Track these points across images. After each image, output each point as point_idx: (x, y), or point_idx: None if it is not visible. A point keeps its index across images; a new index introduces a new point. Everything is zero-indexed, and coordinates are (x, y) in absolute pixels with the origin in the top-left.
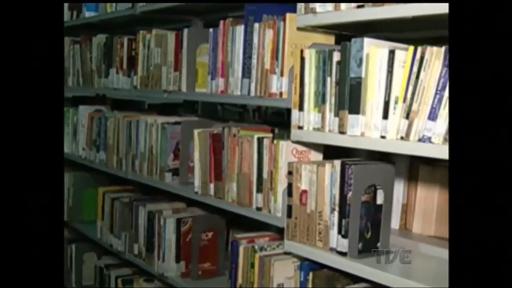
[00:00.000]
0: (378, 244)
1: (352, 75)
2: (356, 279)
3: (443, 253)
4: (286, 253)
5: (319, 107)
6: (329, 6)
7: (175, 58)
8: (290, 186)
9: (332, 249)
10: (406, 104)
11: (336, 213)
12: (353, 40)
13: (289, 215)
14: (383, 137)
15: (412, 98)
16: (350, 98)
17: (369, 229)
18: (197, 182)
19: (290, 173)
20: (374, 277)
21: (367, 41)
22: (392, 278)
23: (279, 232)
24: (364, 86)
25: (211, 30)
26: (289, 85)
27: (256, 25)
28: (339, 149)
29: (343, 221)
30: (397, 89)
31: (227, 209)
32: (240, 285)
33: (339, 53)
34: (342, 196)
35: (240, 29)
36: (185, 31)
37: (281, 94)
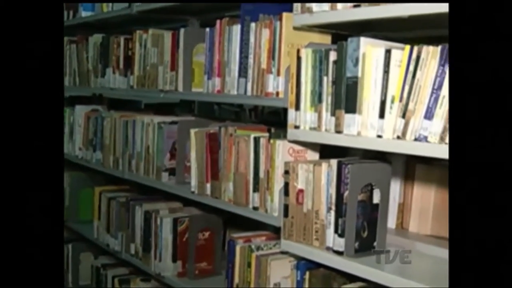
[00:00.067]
0: (375, 243)
1: (348, 74)
2: (353, 278)
3: (440, 252)
4: (282, 253)
5: (316, 106)
6: (326, 5)
7: (172, 58)
8: (286, 185)
9: (328, 248)
10: (403, 104)
11: (332, 212)
12: (349, 39)
13: (285, 214)
14: (379, 136)
15: (408, 98)
16: (347, 98)
17: (365, 228)
18: (193, 181)
19: (286, 172)
20: (371, 276)
21: (363, 40)
22: (389, 277)
23: (276, 232)
24: (361, 86)
25: (207, 29)
26: (285, 84)
27: (253, 24)
28: (336, 149)
29: (340, 220)
30: (394, 89)
31: (224, 208)
32: (236, 284)
33: (335, 53)
34: (339, 195)
35: (236, 29)
36: (182, 30)
37: (277, 93)
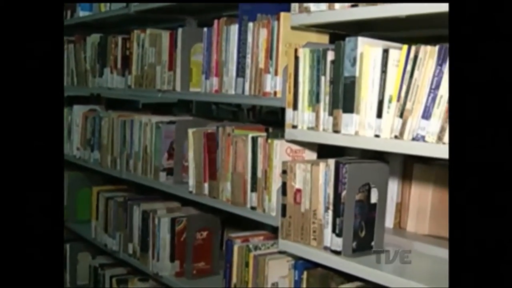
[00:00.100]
0: (372, 243)
1: (346, 74)
2: (351, 278)
3: (438, 252)
4: (280, 252)
5: (313, 106)
6: (323, 5)
7: (170, 58)
8: (284, 185)
9: (326, 248)
10: (400, 103)
11: (330, 212)
12: (347, 39)
13: (283, 214)
14: (377, 136)
15: (406, 97)
16: (344, 97)
17: (363, 228)
18: (191, 181)
19: (284, 172)
20: (368, 275)
21: (361, 40)
22: (387, 276)
23: (274, 231)
24: (358, 85)
25: (205, 29)
26: (283, 84)
27: (250, 24)
28: (333, 148)
29: (337, 220)
30: (391, 88)
31: (222, 208)
32: (234, 284)
33: (333, 52)
34: (336, 195)
35: (234, 29)
36: (179, 30)
37: (275, 93)
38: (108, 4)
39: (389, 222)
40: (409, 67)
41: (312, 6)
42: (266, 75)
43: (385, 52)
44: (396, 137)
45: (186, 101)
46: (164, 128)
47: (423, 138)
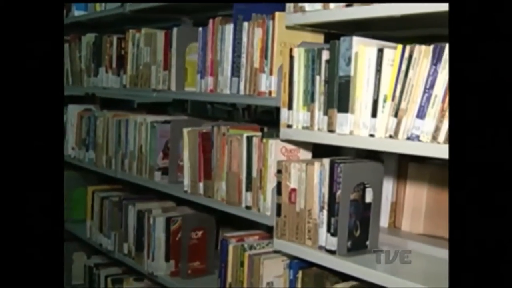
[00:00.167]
0: (367, 242)
1: (341, 73)
2: (345, 277)
3: (432, 251)
4: (275, 252)
5: (308, 105)
6: (318, 5)
7: (165, 57)
8: (279, 184)
9: (321, 248)
10: (395, 103)
11: (325, 212)
12: (342, 38)
13: (278, 213)
14: (371, 135)
15: (400, 97)
16: (339, 97)
17: (358, 227)
18: (186, 181)
19: (279, 171)
20: (363, 275)
21: (356, 39)
22: (381, 276)
23: (269, 231)
24: (353, 85)
25: (200, 29)
26: (278, 83)
27: (245, 24)
28: (328, 148)
29: (332, 220)
30: (386, 88)
31: (217, 208)
32: (229, 284)
33: (328, 52)
34: (331, 194)
35: (229, 28)
36: (175, 30)
37: (270, 92)
38: (103, 4)
39: (384, 221)
40: (403, 67)
41: (307, 5)
42: (261, 75)
43: (380, 51)
44: (390, 136)
45: (181, 100)
46: (159, 127)
47: (417, 138)
